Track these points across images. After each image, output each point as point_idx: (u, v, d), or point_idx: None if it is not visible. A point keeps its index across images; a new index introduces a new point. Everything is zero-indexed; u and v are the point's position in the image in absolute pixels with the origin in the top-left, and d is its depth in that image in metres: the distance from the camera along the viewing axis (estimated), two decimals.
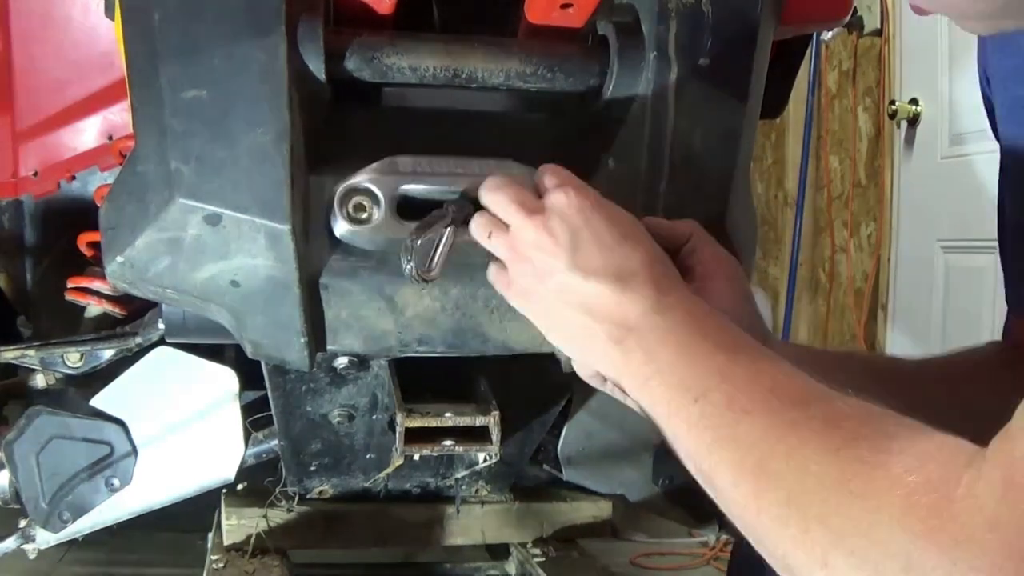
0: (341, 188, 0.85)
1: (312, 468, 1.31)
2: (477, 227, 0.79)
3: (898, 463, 0.51)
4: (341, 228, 0.85)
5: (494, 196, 0.78)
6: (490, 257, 0.80)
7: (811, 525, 0.53)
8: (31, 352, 1.22)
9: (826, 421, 0.56)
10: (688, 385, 0.63)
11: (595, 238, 0.71)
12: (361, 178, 0.85)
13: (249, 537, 1.35)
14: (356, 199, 0.85)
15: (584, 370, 0.77)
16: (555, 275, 0.72)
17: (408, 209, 0.85)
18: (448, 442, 1.03)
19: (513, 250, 0.75)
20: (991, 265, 2.29)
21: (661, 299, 0.69)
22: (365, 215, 0.85)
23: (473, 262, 0.90)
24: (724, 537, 1.88)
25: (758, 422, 0.58)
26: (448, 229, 0.81)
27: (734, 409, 0.60)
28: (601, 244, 0.71)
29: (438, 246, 0.81)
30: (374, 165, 0.86)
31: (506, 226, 0.76)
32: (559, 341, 0.75)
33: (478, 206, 0.84)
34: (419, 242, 0.80)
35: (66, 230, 1.34)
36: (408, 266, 0.79)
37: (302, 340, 0.88)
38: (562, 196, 0.73)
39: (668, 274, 0.73)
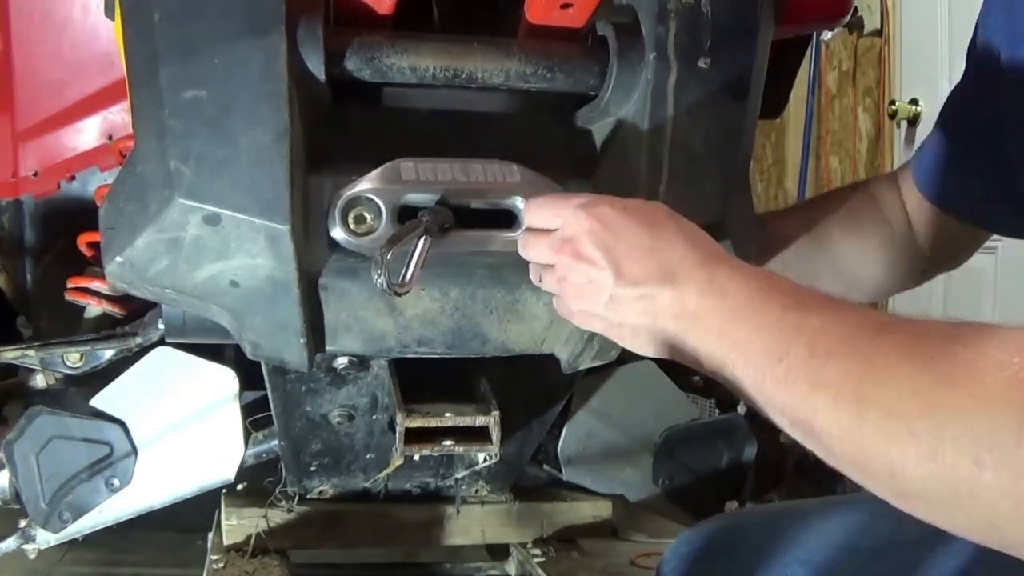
0: (342, 199, 0.85)
1: (312, 468, 1.31)
2: (532, 277, 0.86)
3: (995, 354, 0.54)
4: (342, 237, 0.85)
5: (528, 251, 0.84)
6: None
7: (916, 425, 0.55)
8: (31, 352, 1.22)
9: (908, 339, 0.59)
10: (768, 348, 0.65)
11: (630, 246, 0.75)
12: (363, 187, 0.85)
13: (249, 537, 1.35)
14: (357, 210, 0.85)
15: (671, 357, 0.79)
16: (606, 293, 0.75)
17: (410, 215, 0.85)
18: (448, 442, 1.03)
19: (562, 283, 0.80)
20: (991, 265, 2.29)
21: (713, 279, 0.72)
22: (366, 227, 0.85)
23: (473, 263, 0.90)
24: None
25: (843, 359, 0.61)
26: (422, 240, 0.81)
27: (818, 355, 0.62)
28: (638, 250, 0.74)
29: (412, 258, 0.81)
30: (375, 172, 0.86)
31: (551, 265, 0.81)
32: (638, 348, 0.78)
33: (457, 212, 0.84)
34: (390, 255, 0.79)
35: (66, 230, 1.34)
36: (379, 280, 0.78)
37: (301, 340, 0.88)
38: (580, 222, 0.77)
39: (709, 249, 0.75)
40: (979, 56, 0.98)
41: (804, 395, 0.62)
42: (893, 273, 1.16)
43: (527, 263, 0.86)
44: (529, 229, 0.84)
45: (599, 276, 0.75)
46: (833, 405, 0.60)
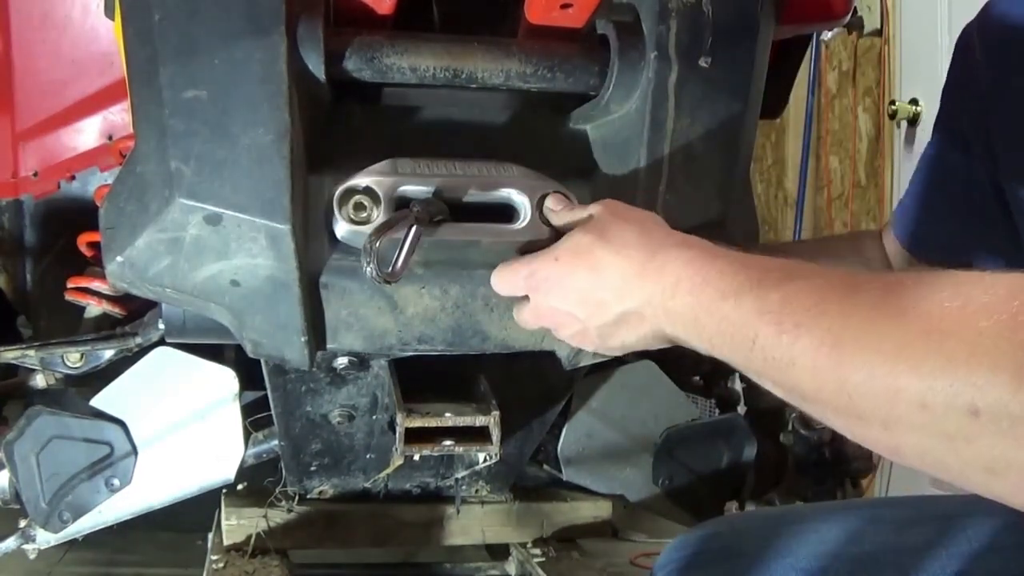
0: (341, 188, 0.85)
1: (312, 468, 1.31)
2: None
3: (984, 299, 0.52)
4: (341, 229, 0.85)
5: (524, 318, 0.89)
6: None
7: (902, 380, 0.53)
8: (31, 352, 1.22)
9: (882, 294, 0.58)
10: (737, 339, 0.66)
11: (576, 293, 0.79)
12: (361, 178, 0.85)
13: (249, 537, 1.35)
14: (356, 198, 0.85)
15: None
16: (592, 333, 0.81)
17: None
18: (448, 442, 1.02)
19: (557, 332, 0.86)
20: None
21: (658, 288, 0.73)
22: (365, 215, 0.85)
23: (473, 261, 0.90)
24: None
25: (814, 327, 0.60)
26: (412, 229, 0.81)
27: (786, 331, 0.61)
28: (584, 292, 0.79)
29: (403, 247, 0.81)
30: (375, 166, 0.86)
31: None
32: (648, 347, 0.81)
33: (451, 205, 0.84)
34: (379, 243, 0.79)
35: (66, 230, 1.34)
36: (368, 267, 0.79)
37: (302, 339, 0.88)
38: (528, 290, 0.84)
39: (641, 255, 0.76)
40: (948, 120, 1.04)
41: (785, 370, 0.62)
42: None
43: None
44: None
45: (579, 324, 0.81)
46: (813, 375, 0.60)
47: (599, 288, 0.77)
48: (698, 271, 0.71)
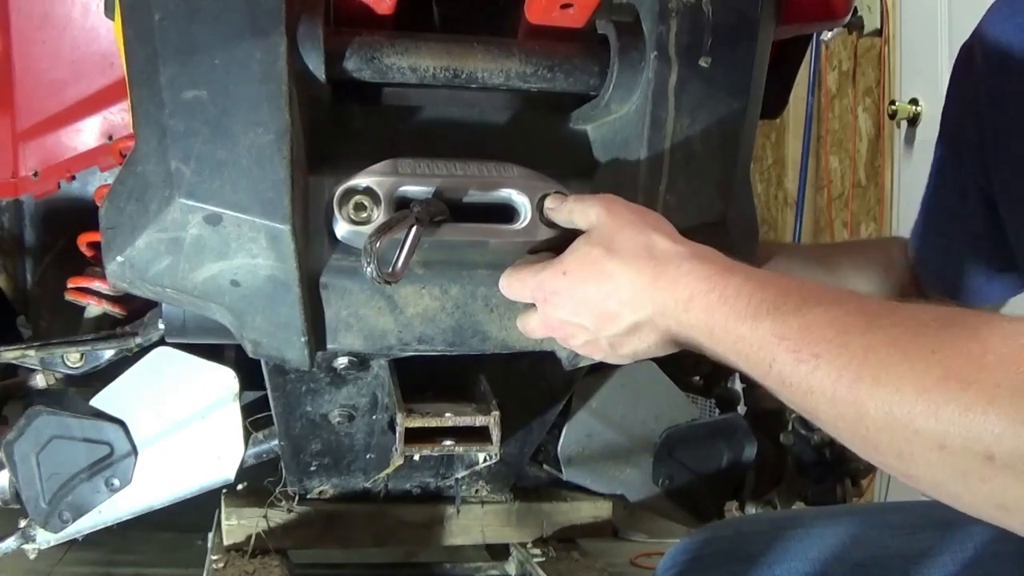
0: (341, 188, 0.85)
1: (312, 468, 1.31)
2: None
3: (1003, 349, 0.53)
4: (341, 229, 0.85)
5: (530, 328, 0.89)
6: None
7: (920, 422, 0.55)
8: (31, 352, 1.22)
9: (902, 332, 0.58)
10: (753, 362, 0.66)
11: (588, 304, 0.79)
12: (361, 179, 0.85)
13: (249, 537, 1.35)
14: (356, 199, 0.85)
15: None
16: (602, 345, 0.81)
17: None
18: (448, 442, 1.02)
19: (567, 343, 0.86)
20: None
21: (673, 300, 0.73)
22: (365, 215, 0.85)
23: (474, 262, 0.90)
24: None
25: (834, 359, 0.60)
26: (413, 230, 0.81)
27: (804, 360, 0.62)
28: (595, 302, 0.78)
29: (403, 247, 0.81)
30: (375, 166, 0.86)
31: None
32: (660, 354, 0.80)
33: (451, 206, 0.84)
34: (379, 243, 0.79)
35: (66, 230, 1.34)
36: (368, 268, 0.79)
37: (302, 339, 0.88)
38: (536, 299, 0.84)
39: (655, 268, 0.75)
40: (949, 137, 1.06)
41: (803, 396, 0.62)
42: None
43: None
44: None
45: (589, 335, 0.81)
46: (831, 406, 0.60)
47: (610, 299, 0.77)
48: (713, 287, 0.70)
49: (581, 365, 0.98)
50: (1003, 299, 1.10)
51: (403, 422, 0.99)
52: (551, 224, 0.87)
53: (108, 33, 1.27)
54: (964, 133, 1.02)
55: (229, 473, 1.26)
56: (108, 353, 1.23)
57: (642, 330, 0.76)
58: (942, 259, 1.11)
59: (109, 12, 0.93)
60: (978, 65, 0.98)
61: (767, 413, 1.53)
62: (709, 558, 0.94)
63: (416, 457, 1.13)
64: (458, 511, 1.43)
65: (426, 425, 1.00)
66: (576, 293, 0.80)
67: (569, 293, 0.80)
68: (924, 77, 2.56)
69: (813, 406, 0.62)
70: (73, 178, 1.39)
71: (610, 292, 0.77)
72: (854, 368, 0.59)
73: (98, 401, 1.21)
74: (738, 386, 1.57)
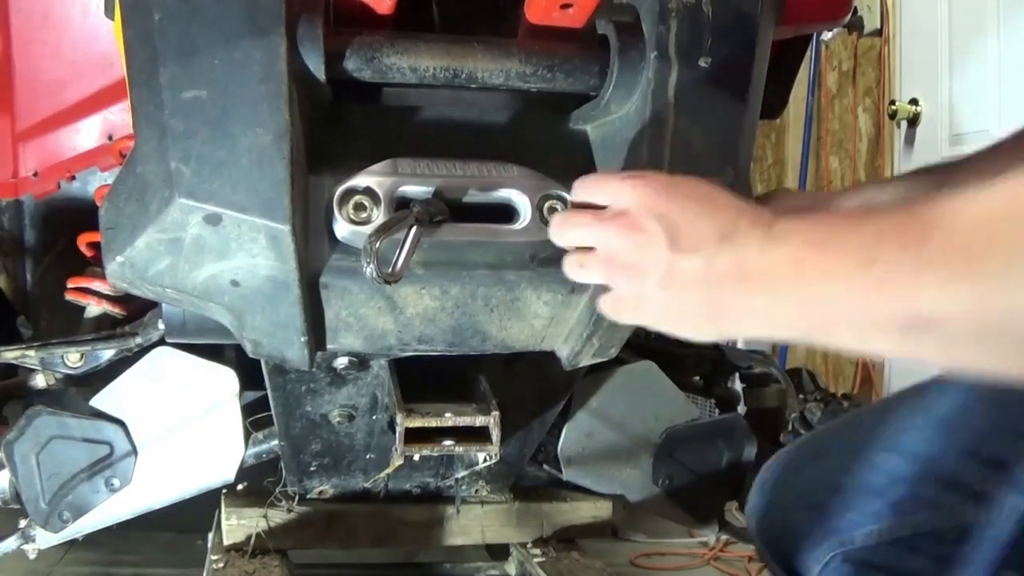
0: (341, 188, 0.85)
1: (312, 468, 1.31)
2: (568, 267, 0.80)
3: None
4: (341, 229, 0.85)
5: (567, 231, 0.79)
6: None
7: None
8: (31, 352, 1.22)
9: (1000, 204, 0.57)
10: (853, 264, 0.62)
11: (683, 215, 0.71)
12: (361, 179, 0.85)
13: (249, 537, 1.35)
14: (356, 199, 0.85)
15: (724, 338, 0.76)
16: (661, 267, 0.71)
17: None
18: (448, 442, 1.03)
19: (610, 264, 0.75)
20: None
21: (770, 233, 0.68)
22: (365, 215, 0.85)
23: (474, 262, 0.90)
24: (724, 537, 1.88)
25: (939, 239, 0.58)
26: (413, 229, 0.81)
27: (909, 247, 0.59)
28: (691, 217, 0.71)
29: (403, 247, 0.81)
30: (375, 166, 0.86)
31: (591, 249, 0.76)
32: (689, 330, 0.73)
33: (451, 206, 0.84)
34: (379, 243, 0.79)
35: (66, 230, 1.34)
36: (368, 268, 0.79)
37: (302, 339, 0.88)
38: (631, 192, 0.73)
39: (761, 210, 0.71)
40: None
41: (909, 284, 0.59)
42: None
43: (529, 259, 0.86)
44: (569, 211, 0.81)
45: (653, 247, 0.71)
46: (946, 280, 0.57)
47: (705, 217, 0.70)
48: (806, 221, 0.67)
49: (581, 365, 0.98)
50: None
51: (403, 422, 0.99)
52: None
53: (108, 33, 1.26)
54: None
55: (229, 473, 1.26)
56: (108, 353, 1.23)
57: (716, 264, 0.69)
58: None
59: (109, 12, 0.93)
60: None
61: (767, 413, 1.53)
62: (806, 456, 0.89)
63: (416, 457, 1.13)
64: (458, 511, 1.43)
65: (426, 425, 1.00)
66: (675, 198, 0.72)
67: (666, 194, 0.72)
68: (924, 77, 2.56)
69: (920, 293, 0.59)
70: (73, 178, 1.39)
71: (711, 213, 0.70)
72: (961, 240, 0.57)
73: (98, 401, 1.21)
74: (738, 386, 1.57)
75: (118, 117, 1.35)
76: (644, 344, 1.46)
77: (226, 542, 1.36)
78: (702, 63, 0.90)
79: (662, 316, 0.74)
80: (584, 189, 0.79)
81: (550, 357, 0.98)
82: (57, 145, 1.37)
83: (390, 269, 0.80)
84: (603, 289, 0.78)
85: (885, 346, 0.63)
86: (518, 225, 0.88)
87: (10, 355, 1.23)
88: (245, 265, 0.83)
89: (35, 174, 1.37)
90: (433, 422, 1.01)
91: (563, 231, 0.79)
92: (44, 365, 1.24)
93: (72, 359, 1.23)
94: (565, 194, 0.89)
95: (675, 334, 0.74)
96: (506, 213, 0.89)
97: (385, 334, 0.92)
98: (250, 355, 0.93)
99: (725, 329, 0.72)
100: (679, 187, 0.73)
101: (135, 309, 1.27)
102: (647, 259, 0.72)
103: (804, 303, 0.65)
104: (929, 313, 0.58)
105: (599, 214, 0.75)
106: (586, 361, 0.97)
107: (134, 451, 1.22)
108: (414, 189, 0.86)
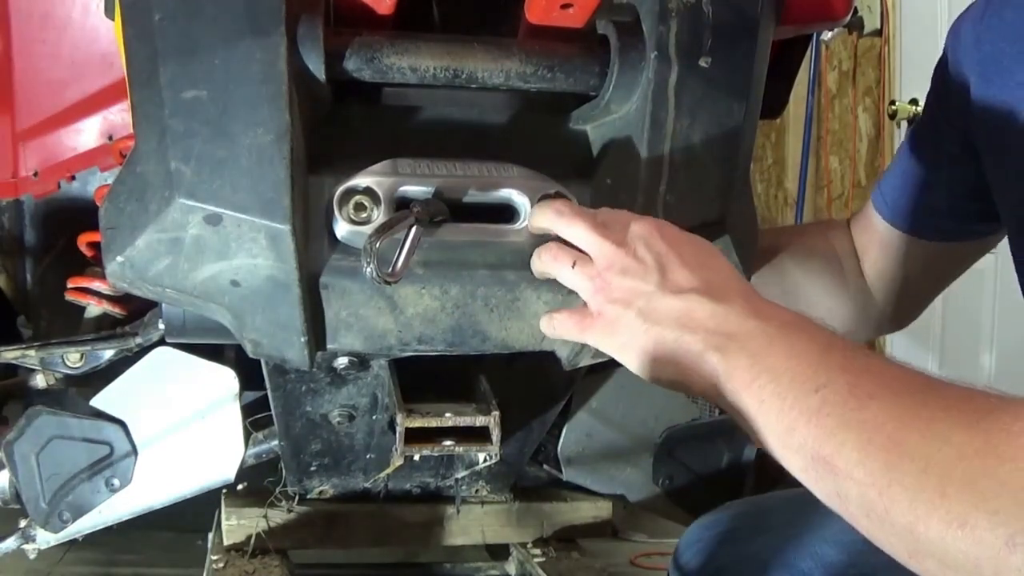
0: (341, 188, 0.85)
1: (312, 468, 1.31)
2: (555, 258, 0.81)
3: None
4: (341, 229, 0.86)
5: (572, 227, 0.79)
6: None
7: (950, 490, 0.53)
8: (31, 352, 1.22)
9: (956, 400, 0.58)
10: (806, 377, 0.63)
11: (680, 259, 0.74)
12: (361, 179, 0.85)
13: (249, 537, 1.35)
14: (356, 199, 0.85)
15: (672, 387, 0.76)
16: (643, 298, 0.73)
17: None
18: (448, 442, 1.02)
19: (599, 278, 0.77)
20: (990, 266, 2.29)
21: (759, 309, 0.70)
22: (365, 215, 0.85)
23: (474, 262, 0.90)
24: None
25: (885, 404, 0.59)
26: (413, 230, 0.81)
27: (858, 395, 0.60)
28: (687, 264, 0.74)
29: (403, 247, 0.81)
30: (375, 166, 0.86)
31: (587, 256, 0.78)
32: (650, 369, 0.74)
33: (451, 206, 0.84)
34: (379, 243, 0.79)
35: (66, 230, 1.34)
36: (368, 268, 0.79)
37: (302, 339, 0.88)
38: (642, 225, 0.77)
39: (751, 288, 0.74)
40: (947, 85, 1.06)
41: (833, 430, 0.60)
42: (843, 315, 1.16)
43: (529, 259, 0.86)
44: (572, 205, 0.82)
45: (644, 277, 0.74)
46: (864, 446, 0.58)
47: (702, 269, 0.74)
48: (791, 315, 0.70)
49: (581, 365, 0.98)
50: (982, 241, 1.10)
51: (403, 422, 0.99)
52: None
53: (108, 33, 1.27)
54: (951, 87, 1.01)
55: (229, 473, 1.26)
56: (108, 353, 1.23)
57: (695, 312, 0.71)
58: (920, 203, 1.09)
59: (109, 12, 0.93)
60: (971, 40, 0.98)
61: None
62: (735, 532, 0.92)
63: (416, 457, 1.13)
64: (458, 511, 1.43)
65: (426, 425, 1.00)
66: (679, 244, 0.75)
67: (671, 237, 0.76)
68: (924, 77, 2.53)
69: (840, 443, 0.60)
70: (73, 178, 1.39)
71: (709, 266, 0.74)
72: (903, 415, 0.58)
73: (98, 401, 1.21)
74: None
75: (118, 117, 1.35)
76: None
77: (226, 542, 1.36)
78: (702, 63, 0.90)
79: (628, 346, 0.76)
80: (596, 214, 0.81)
81: (550, 357, 0.98)
82: (57, 145, 1.36)
83: (390, 269, 0.80)
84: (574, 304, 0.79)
85: (790, 462, 0.64)
86: (518, 225, 0.88)
87: (10, 355, 1.23)
88: (245, 265, 0.83)
89: (35, 174, 1.37)
90: (433, 422, 1.01)
91: (569, 224, 0.80)
92: (44, 365, 1.24)
93: (72, 359, 1.23)
94: (565, 194, 0.89)
95: (624, 362, 0.77)
96: (506, 213, 0.89)
97: (385, 334, 0.92)
98: (250, 355, 0.93)
99: (674, 377, 0.73)
100: (683, 236, 0.77)
101: (135, 309, 1.27)
102: (633, 287, 0.75)
103: (748, 384, 0.67)
104: (835, 463, 0.60)
105: (609, 232, 0.77)
106: (586, 361, 0.97)
107: (134, 451, 1.22)
108: (414, 189, 0.86)
